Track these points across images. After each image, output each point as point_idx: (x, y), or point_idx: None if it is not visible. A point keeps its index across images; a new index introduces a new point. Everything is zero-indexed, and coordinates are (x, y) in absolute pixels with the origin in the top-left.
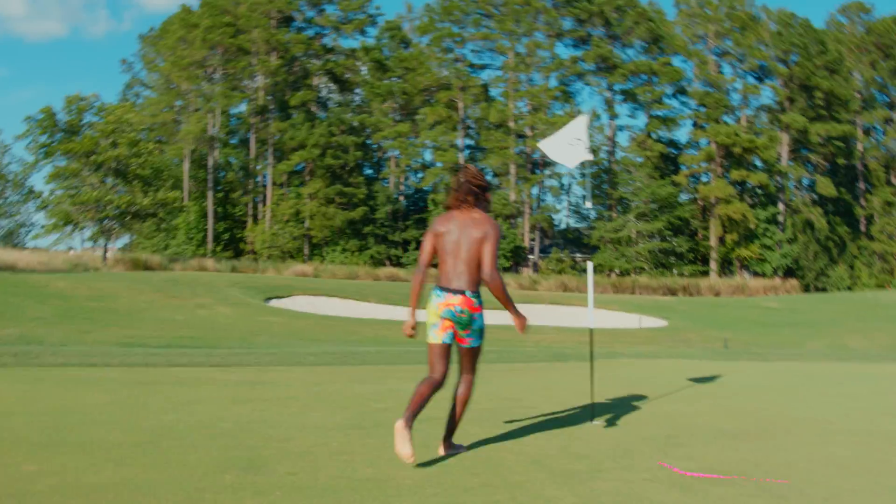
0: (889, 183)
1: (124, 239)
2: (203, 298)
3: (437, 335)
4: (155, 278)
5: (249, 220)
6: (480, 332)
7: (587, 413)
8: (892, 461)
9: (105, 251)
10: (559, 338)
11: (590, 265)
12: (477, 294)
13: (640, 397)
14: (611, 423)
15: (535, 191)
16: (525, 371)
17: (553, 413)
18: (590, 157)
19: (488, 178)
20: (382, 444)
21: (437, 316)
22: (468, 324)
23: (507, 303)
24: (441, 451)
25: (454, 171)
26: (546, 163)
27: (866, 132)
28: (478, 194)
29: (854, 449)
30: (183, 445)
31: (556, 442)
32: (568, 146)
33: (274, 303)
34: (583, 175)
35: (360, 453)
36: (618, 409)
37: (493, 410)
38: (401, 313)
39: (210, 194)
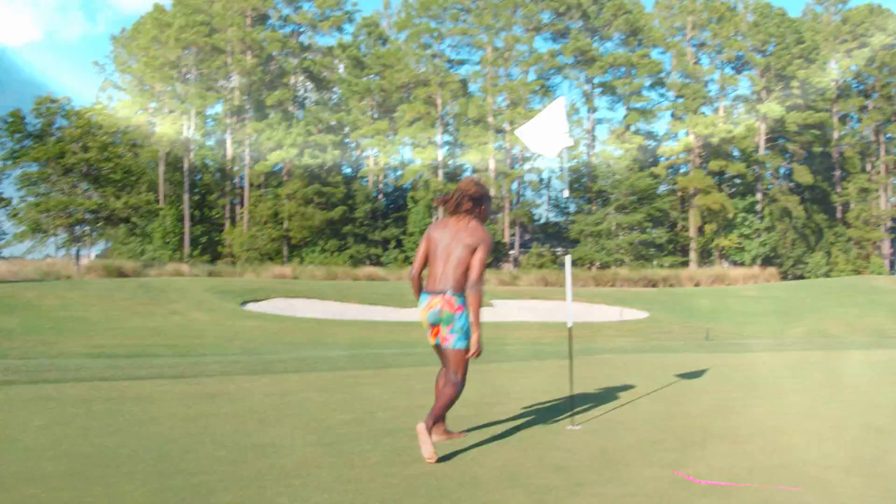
0: (864, 170)
1: (101, 245)
2: (177, 304)
3: (430, 339)
4: (128, 285)
5: (227, 223)
6: (464, 333)
7: (567, 418)
8: (889, 460)
9: (77, 258)
10: (540, 333)
11: (567, 259)
12: (459, 294)
13: (623, 397)
14: (592, 428)
15: (514, 186)
16: (501, 371)
17: (530, 419)
18: (570, 143)
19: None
20: (342, 463)
21: (425, 323)
22: (449, 321)
23: (476, 318)
24: (434, 437)
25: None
26: (525, 157)
27: (842, 120)
28: (473, 204)
29: (849, 448)
30: (118, 474)
31: (533, 453)
32: (547, 133)
33: (251, 307)
34: (561, 168)
35: (315, 475)
36: (600, 411)
37: (465, 418)
38: (380, 313)
39: (186, 197)
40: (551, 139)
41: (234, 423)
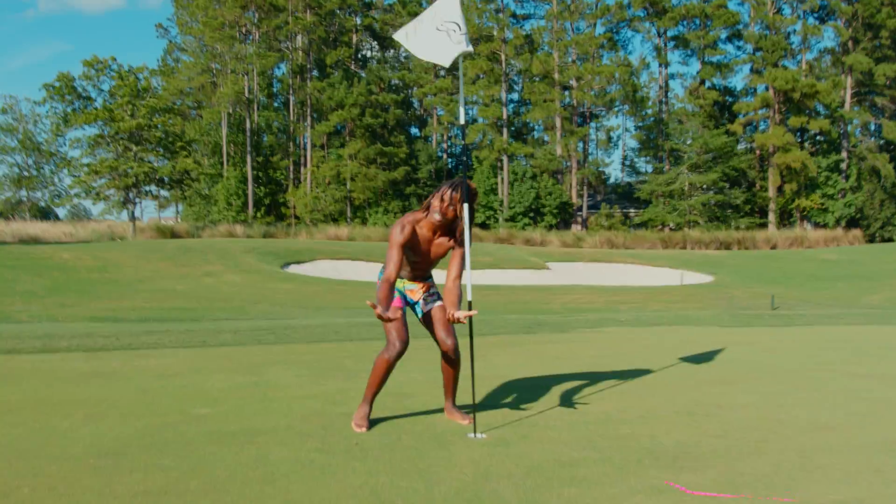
0: None
1: (171, 209)
2: (213, 266)
3: None
4: (169, 246)
5: (290, 184)
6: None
7: (471, 422)
8: None
9: (133, 220)
10: (590, 297)
11: (465, 210)
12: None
13: (577, 391)
14: (501, 438)
15: (581, 145)
16: (480, 347)
17: (432, 421)
18: (469, 48)
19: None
20: (101, 487)
21: None
22: None
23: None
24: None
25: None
26: (594, 114)
27: None
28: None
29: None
30: None
31: (384, 478)
32: (439, 34)
33: (292, 268)
34: (459, 92)
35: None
36: (530, 412)
37: (374, 412)
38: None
39: (249, 158)
40: (444, 41)
41: (61, 415)
